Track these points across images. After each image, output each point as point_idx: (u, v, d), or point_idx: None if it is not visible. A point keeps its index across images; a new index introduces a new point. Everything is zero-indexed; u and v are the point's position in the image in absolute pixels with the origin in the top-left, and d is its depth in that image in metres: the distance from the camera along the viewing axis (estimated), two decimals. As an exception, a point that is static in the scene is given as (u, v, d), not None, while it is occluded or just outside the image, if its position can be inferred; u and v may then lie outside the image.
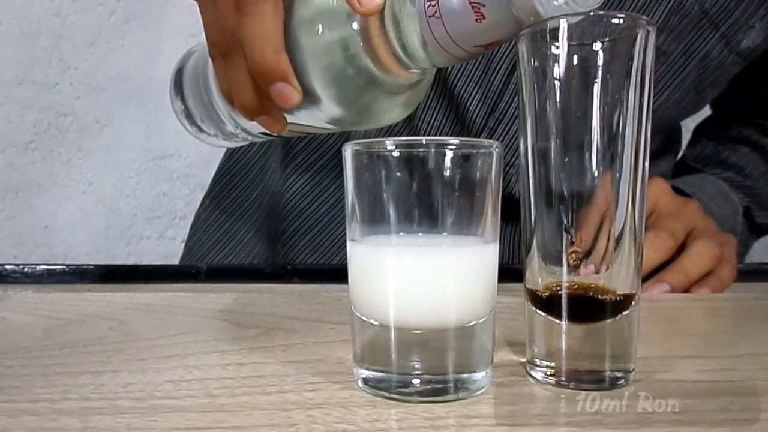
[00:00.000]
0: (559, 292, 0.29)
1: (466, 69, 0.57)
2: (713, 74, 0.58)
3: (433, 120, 0.59)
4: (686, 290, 0.51)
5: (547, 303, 0.30)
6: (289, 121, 0.40)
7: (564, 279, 0.29)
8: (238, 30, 0.36)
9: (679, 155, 0.73)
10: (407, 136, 0.60)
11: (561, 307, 0.29)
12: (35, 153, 1.25)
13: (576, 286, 0.29)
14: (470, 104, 0.57)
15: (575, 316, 0.29)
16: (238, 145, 0.55)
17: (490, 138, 0.58)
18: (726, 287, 0.52)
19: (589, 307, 0.29)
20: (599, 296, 0.29)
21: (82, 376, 0.30)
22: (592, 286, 0.29)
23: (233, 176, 0.71)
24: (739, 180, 0.66)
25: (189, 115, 0.49)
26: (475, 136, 0.58)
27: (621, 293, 0.29)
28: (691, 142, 0.73)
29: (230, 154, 0.72)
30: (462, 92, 0.57)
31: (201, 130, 0.49)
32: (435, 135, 0.60)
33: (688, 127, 0.73)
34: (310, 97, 0.37)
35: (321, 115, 0.39)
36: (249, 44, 0.36)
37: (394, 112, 0.40)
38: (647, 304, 0.34)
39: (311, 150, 0.64)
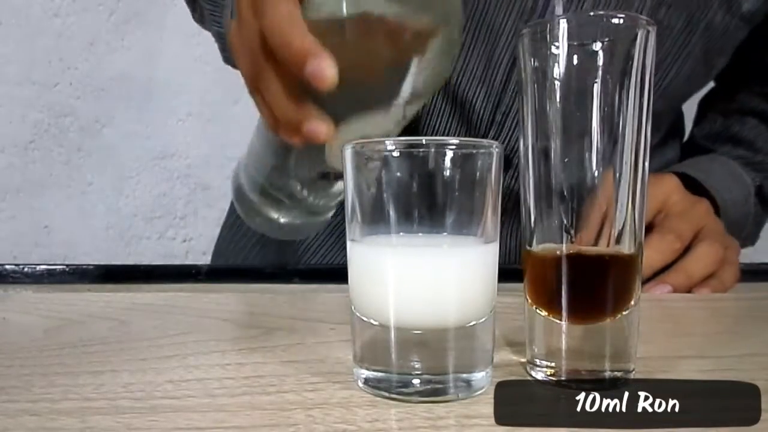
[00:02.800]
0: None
1: (468, 67, 0.57)
2: (719, 42, 0.58)
3: (439, 125, 0.59)
4: (688, 291, 0.51)
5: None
6: (341, 130, 0.39)
7: (564, 280, 0.29)
8: (263, 29, 0.36)
9: (685, 138, 0.72)
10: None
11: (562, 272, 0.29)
12: (35, 153, 1.25)
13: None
14: (476, 102, 0.57)
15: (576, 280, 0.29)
16: (320, 220, 0.51)
17: (500, 133, 0.58)
18: (727, 290, 0.52)
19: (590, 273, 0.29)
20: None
21: (82, 376, 0.30)
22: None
23: None
24: (751, 155, 0.65)
25: (268, 216, 0.47)
26: (483, 134, 0.58)
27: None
28: (698, 119, 0.72)
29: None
30: (466, 90, 0.57)
31: (284, 225, 0.47)
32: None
33: (692, 111, 0.72)
34: None
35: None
36: (271, 33, 0.35)
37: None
38: (647, 304, 0.34)
39: None
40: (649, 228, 0.53)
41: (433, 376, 0.28)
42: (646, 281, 0.50)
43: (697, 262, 0.51)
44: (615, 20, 0.28)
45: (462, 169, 0.28)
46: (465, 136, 0.59)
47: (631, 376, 0.30)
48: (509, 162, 0.57)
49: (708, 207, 0.56)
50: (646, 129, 0.29)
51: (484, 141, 0.28)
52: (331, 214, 0.48)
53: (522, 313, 0.31)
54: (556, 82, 0.29)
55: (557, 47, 0.28)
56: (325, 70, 0.34)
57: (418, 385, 0.28)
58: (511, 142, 0.58)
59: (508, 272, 0.34)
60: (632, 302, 0.29)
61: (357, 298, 0.29)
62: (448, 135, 0.59)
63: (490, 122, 0.58)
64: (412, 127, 0.60)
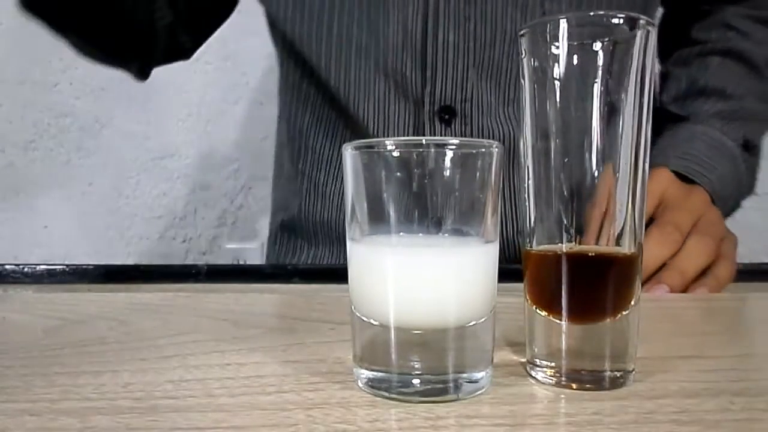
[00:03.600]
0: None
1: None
2: None
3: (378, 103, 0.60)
4: (684, 289, 0.51)
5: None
6: None
7: (564, 280, 0.29)
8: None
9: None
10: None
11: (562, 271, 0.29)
12: (35, 153, 1.25)
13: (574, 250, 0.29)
14: (404, 69, 0.59)
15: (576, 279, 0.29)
16: None
17: (434, 88, 0.59)
18: (724, 285, 0.52)
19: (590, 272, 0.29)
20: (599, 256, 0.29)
21: (82, 376, 0.30)
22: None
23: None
24: (726, 107, 0.63)
25: None
26: (420, 94, 0.59)
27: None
28: (662, 79, 0.69)
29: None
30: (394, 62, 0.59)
31: None
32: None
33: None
34: None
35: None
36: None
37: None
38: (647, 304, 0.34)
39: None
40: (649, 223, 0.53)
41: (433, 376, 0.28)
42: (645, 280, 0.50)
43: (689, 258, 0.51)
44: (615, 20, 0.28)
45: (462, 169, 0.28)
46: (402, 100, 0.60)
47: (631, 376, 0.30)
48: (452, 111, 0.59)
49: (703, 194, 0.56)
50: (646, 129, 0.29)
51: (484, 141, 0.28)
52: None
53: (522, 313, 0.31)
54: (556, 82, 0.29)
55: (557, 47, 0.28)
56: None
57: (418, 385, 0.28)
58: (447, 93, 0.59)
59: (508, 272, 0.34)
60: (632, 302, 0.29)
61: (357, 298, 0.29)
62: (388, 106, 0.60)
63: (422, 80, 0.59)
64: (352, 111, 0.60)
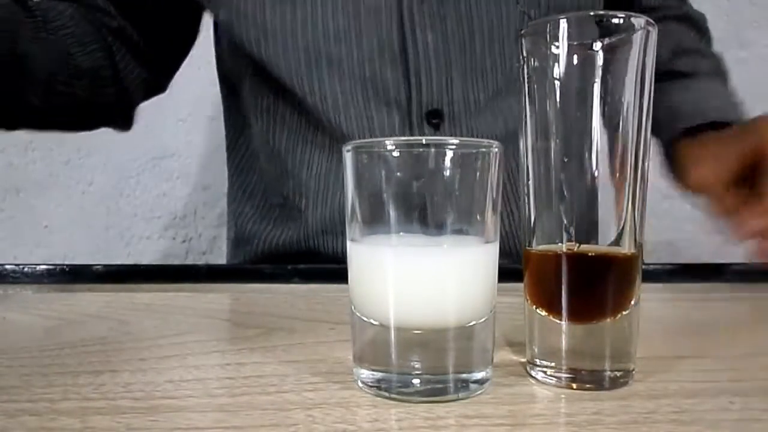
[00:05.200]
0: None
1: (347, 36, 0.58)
2: None
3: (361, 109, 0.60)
4: None
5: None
6: None
7: (563, 280, 0.29)
8: None
9: None
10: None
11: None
12: (35, 153, 1.25)
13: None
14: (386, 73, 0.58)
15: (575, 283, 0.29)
16: None
17: (420, 88, 0.59)
18: None
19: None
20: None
21: (82, 376, 0.30)
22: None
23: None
24: (707, 63, 0.69)
25: None
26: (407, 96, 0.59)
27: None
28: None
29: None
30: (379, 70, 0.59)
31: None
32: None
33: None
34: None
35: None
36: None
37: None
38: (648, 304, 0.34)
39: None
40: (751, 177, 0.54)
41: (433, 376, 0.28)
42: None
43: None
44: (615, 20, 0.28)
45: (462, 169, 0.28)
46: (385, 108, 0.59)
47: (631, 376, 0.30)
48: (440, 114, 0.59)
49: None
50: (646, 128, 0.29)
51: (484, 141, 0.28)
52: None
53: (522, 313, 0.31)
54: (556, 82, 0.29)
55: (557, 47, 0.28)
56: None
57: (418, 385, 0.28)
58: (433, 97, 0.59)
59: (508, 272, 0.34)
60: (632, 302, 0.29)
61: (357, 298, 0.29)
62: (372, 116, 0.60)
63: (406, 86, 0.59)
64: (335, 126, 0.59)
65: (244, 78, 0.66)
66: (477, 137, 0.58)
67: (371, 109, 0.59)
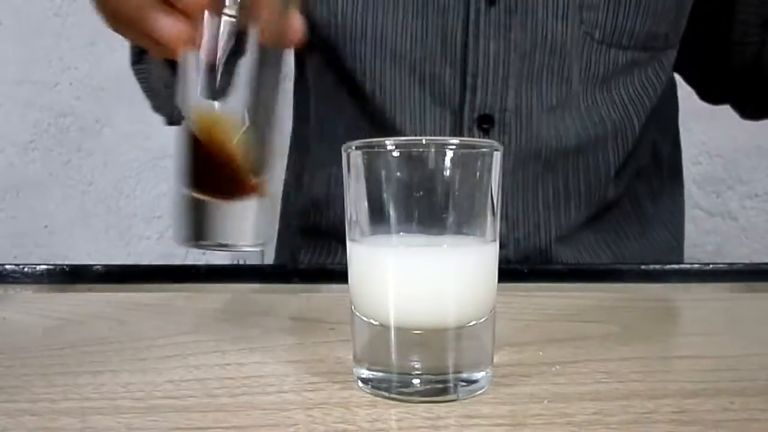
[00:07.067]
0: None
1: (425, 41, 0.59)
2: None
3: (413, 106, 0.60)
4: None
5: None
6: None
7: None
8: None
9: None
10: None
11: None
12: (35, 153, 1.25)
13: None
14: (443, 74, 0.59)
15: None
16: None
17: (474, 95, 0.59)
18: None
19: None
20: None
21: (82, 376, 0.30)
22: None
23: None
24: None
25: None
26: (459, 102, 0.59)
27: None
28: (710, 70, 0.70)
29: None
30: (431, 66, 0.59)
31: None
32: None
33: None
34: None
35: None
36: None
37: None
38: (648, 303, 0.34)
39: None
40: None
41: (433, 376, 0.28)
42: None
43: None
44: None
45: (462, 169, 0.28)
46: (439, 108, 0.60)
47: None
48: (491, 120, 0.59)
49: None
50: None
51: (484, 141, 0.28)
52: None
53: (522, 313, 0.31)
54: None
55: None
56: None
57: (418, 385, 0.28)
58: (487, 102, 0.59)
59: (508, 272, 0.34)
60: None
61: (357, 298, 0.29)
62: (424, 114, 0.60)
63: (462, 88, 0.58)
64: (388, 118, 0.60)
65: (309, 58, 0.68)
66: (525, 149, 0.59)
67: (425, 107, 0.60)
